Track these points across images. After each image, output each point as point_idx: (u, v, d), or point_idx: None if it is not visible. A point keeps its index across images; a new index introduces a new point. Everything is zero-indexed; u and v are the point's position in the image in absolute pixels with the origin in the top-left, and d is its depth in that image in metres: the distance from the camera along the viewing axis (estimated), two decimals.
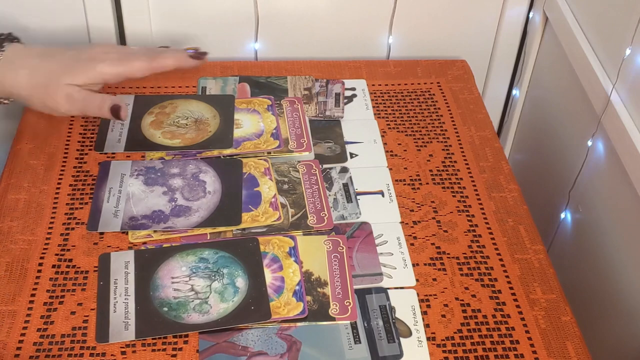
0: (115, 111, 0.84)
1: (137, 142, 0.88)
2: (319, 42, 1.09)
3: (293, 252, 0.76)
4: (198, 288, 0.71)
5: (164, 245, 0.76)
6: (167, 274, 0.73)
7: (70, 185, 0.83)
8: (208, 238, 0.78)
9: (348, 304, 0.72)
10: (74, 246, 0.76)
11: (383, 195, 0.84)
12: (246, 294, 0.71)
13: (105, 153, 0.87)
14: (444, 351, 0.69)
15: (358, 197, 0.83)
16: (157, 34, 1.06)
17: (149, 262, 0.74)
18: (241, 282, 0.72)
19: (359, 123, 0.94)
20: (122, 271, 0.73)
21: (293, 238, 0.77)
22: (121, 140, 0.88)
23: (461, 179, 0.87)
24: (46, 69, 0.82)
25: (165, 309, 0.70)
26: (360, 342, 0.69)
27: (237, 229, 0.79)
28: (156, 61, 0.87)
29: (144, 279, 0.72)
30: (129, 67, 0.85)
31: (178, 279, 0.72)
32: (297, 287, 0.73)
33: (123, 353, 0.67)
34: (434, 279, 0.76)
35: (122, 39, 1.05)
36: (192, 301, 0.70)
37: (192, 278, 0.72)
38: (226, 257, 0.74)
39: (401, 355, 0.68)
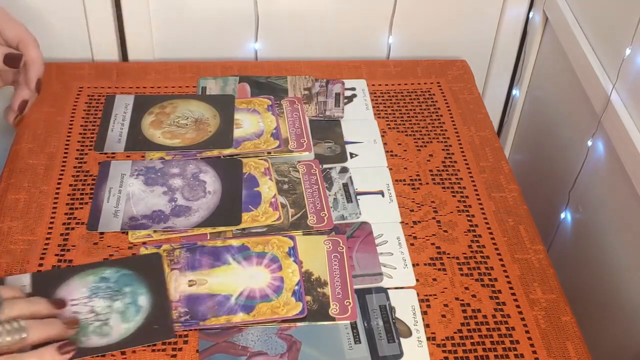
0: (12, 60, 0.74)
1: (137, 142, 0.88)
2: (319, 42, 1.09)
3: (292, 252, 0.76)
4: (98, 309, 0.69)
5: (63, 267, 0.74)
6: (67, 296, 0.70)
7: (70, 185, 0.83)
8: (208, 238, 0.78)
9: (348, 303, 0.72)
10: (74, 246, 0.76)
11: (383, 195, 0.84)
12: (148, 312, 0.69)
13: (105, 153, 0.87)
14: (443, 351, 0.69)
15: (358, 197, 0.83)
16: (157, 33, 1.06)
17: (46, 285, 0.71)
18: (144, 300, 0.70)
19: (359, 123, 0.94)
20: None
21: (292, 238, 0.77)
22: (121, 140, 0.88)
23: (461, 179, 0.87)
24: None
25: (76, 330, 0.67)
26: (360, 342, 0.69)
27: (237, 229, 0.79)
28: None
29: None
30: None
31: (77, 301, 0.70)
32: (297, 287, 0.73)
33: (123, 353, 0.67)
34: (434, 279, 0.76)
35: (122, 38, 1.05)
36: (92, 323, 0.68)
37: (92, 299, 0.70)
38: (128, 275, 0.73)
39: (401, 355, 0.68)
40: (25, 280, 0.72)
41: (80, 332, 0.67)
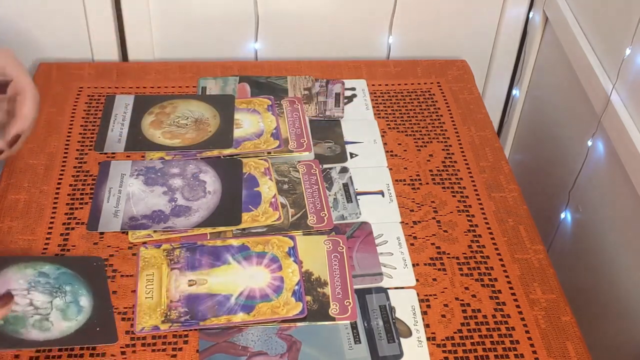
0: None
1: (137, 142, 0.88)
2: (319, 42, 1.09)
3: (292, 252, 0.76)
4: (38, 303, 0.69)
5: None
6: (4, 286, 0.69)
7: (70, 185, 0.83)
8: (208, 238, 0.78)
9: (348, 303, 0.72)
10: (74, 246, 0.76)
11: (383, 195, 0.84)
12: (91, 314, 0.69)
13: (105, 153, 0.87)
14: (444, 351, 0.69)
15: (358, 197, 0.83)
16: (157, 33, 1.06)
17: None
18: (85, 301, 0.70)
19: (359, 123, 0.94)
20: None
21: (292, 238, 0.77)
22: (121, 140, 0.88)
23: (461, 179, 0.87)
24: None
25: (1, 322, 0.67)
26: (360, 342, 0.69)
27: (237, 229, 0.79)
28: None
29: None
30: None
31: (16, 292, 0.69)
32: (297, 287, 0.73)
33: (123, 353, 0.67)
34: (434, 279, 0.76)
35: (122, 38, 1.05)
36: (32, 317, 0.68)
37: (30, 292, 0.69)
38: (69, 274, 0.72)
39: (401, 355, 0.68)
40: None
41: (19, 323, 0.67)
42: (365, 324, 0.71)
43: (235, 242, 0.77)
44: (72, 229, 0.78)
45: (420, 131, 0.93)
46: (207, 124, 0.90)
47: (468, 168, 0.89)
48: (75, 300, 0.70)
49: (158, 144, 0.87)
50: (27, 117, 0.70)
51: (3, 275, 0.71)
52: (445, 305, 0.73)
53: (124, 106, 0.92)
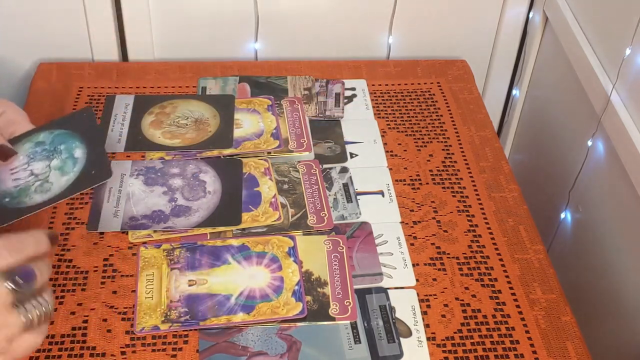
0: (3, 154, 0.72)
1: (137, 142, 0.88)
2: (319, 42, 1.09)
3: (292, 252, 0.76)
4: (37, 171, 0.70)
5: None
6: (6, 168, 0.71)
7: None
8: (208, 238, 0.78)
9: (348, 303, 0.72)
10: (74, 246, 0.76)
11: (383, 195, 0.84)
12: (85, 161, 0.70)
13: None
14: (444, 351, 0.69)
15: (358, 197, 0.83)
16: (157, 33, 1.06)
17: None
18: (79, 152, 0.71)
19: (359, 123, 0.94)
20: None
21: (292, 238, 0.77)
22: (121, 140, 0.88)
23: (461, 179, 0.87)
24: None
25: (7, 199, 0.68)
26: (360, 342, 0.69)
27: (237, 229, 0.79)
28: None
29: None
30: None
31: (17, 169, 0.70)
32: (297, 287, 0.73)
33: (123, 353, 0.67)
34: (434, 279, 0.76)
35: (122, 38, 1.05)
36: (33, 184, 0.69)
37: (30, 164, 0.71)
38: (62, 134, 0.73)
39: (401, 355, 0.68)
40: None
41: (22, 194, 0.68)
42: (365, 324, 0.71)
43: (235, 242, 0.77)
44: (72, 229, 0.78)
45: (420, 131, 0.93)
46: (207, 124, 0.90)
47: (468, 168, 0.89)
48: (70, 155, 0.71)
49: (158, 144, 0.87)
50: (21, 121, 0.73)
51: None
52: (445, 305, 0.73)
53: (124, 106, 0.92)
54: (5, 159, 0.72)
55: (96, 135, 0.73)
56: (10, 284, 0.54)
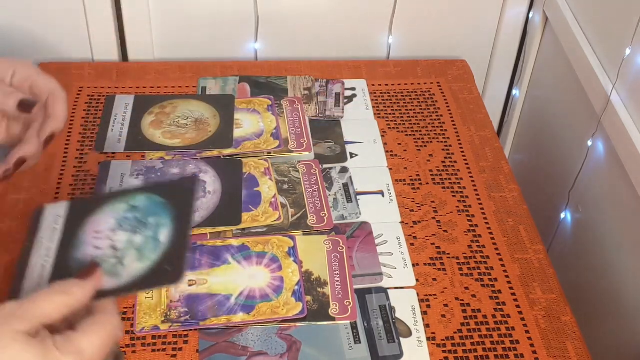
0: (26, 105, 0.71)
1: (137, 142, 0.88)
2: (319, 42, 1.09)
3: (292, 252, 0.76)
4: (118, 244, 0.63)
5: (99, 194, 0.69)
6: (92, 228, 0.65)
7: (70, 185, 0.83)
8: (208, 238, 0.78)
9: (348, 303, 0.72)
10: None
11: (383, 195, 0.84)
12: (165, 250, 0.63)
13: (105, 153, 0.87)
14: (444, 351, 0.69)
15: (358, 197, 0.83)
16: (157, 33, 1.06)
17: (79, 215, 0.66)
18: (164, 235, 0.64)
19: (359, 123, 0.94)
20: (50, 228, 0.66)
21: (292, 238, 0.77)
22: (121, 140, 0.88)
23: (461, 179, 0.87)
24: None
25: (75, 267, 0.62)
26: (360, 342, 0.69)
27: (237, 229, 0.79)
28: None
29: (69, 237, 0.65)
30: None
31: (101, 234, 0.64)
32: (297, 287, 0.73)
33: (123, 353, 0.67)
34: (434, 279, 0.76)
35: (122, 38, 1.05)
36: (108, 261, 0.63)
37: (115, 232, 0.64)
38: (158, 204, 0.66)
39: (401, 355, 0.68)
40: (62, 209, 0.67)
41: None
42: (365, 324, 0.71)
43: (235, 242, 0.77)
44: None
45: (420, 131, 0.93)
46: (207, 124, 0.90)
47: (468, 168, 0.89)
48: (155, 235, 0.64)
49: (158, 144, 0.87)
50: (60, 117, 0.72)
51: (98, 215, 0.66)
52: (445, 305, 0.73)
53: (124, 106, 0.92)
54: (30, 111, 0.70)
55: (187, 217, 0.65)
56: None
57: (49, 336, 0.53)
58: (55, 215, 0.67)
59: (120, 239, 0.63)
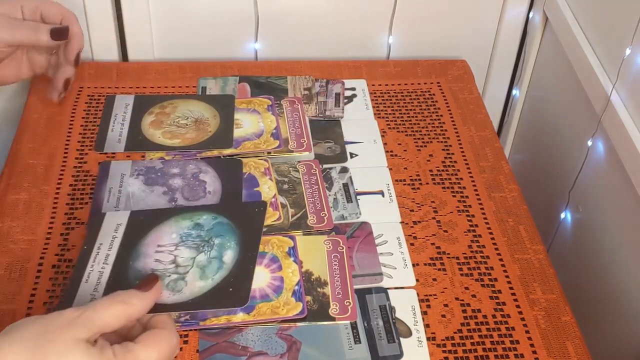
0: (59, 33, 0.79)
1: (137, 142, 0.88)
2: (319, 42, 1.09)
3: (292, 252, 0.76)
4: (180, 260, 0.65)
5: (164, 207, 0.69)
6: (155, 241, 0.66)
7: (70, 185, 0.83)
8: None
9: (348, 303, 0.72)
10: (74, 246, 0.76)
11: (383, 195, 0.84)
12: (230, 271, 0.64)
13: (106, 153, 0.87)
14: (444, 351, 0.69)
15: (358, 197, 0.83)
16: (157, 33, 1.06)
17: (141, 226, 0.67)
18: (229, 256, 0.65)
19: (359, 123, 0.94)
20: (110, 235, 0.67)
21: (292, 238, 0.77)
22: (121, 140, 0.88)
23: (461, 179, 0.87)
24: None
25: (138, 282, 0.62)
26: (360, 342, 0.69)
27: None
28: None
29: (129, 246, 0.66)
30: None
31: (163, 248, 0.66)
32: (297, 287, 0.73)
33: None
34: (434, 279, 0.76)
35: (122, 38, 1.05)
36: (169, 276, 0.65)
37: (178, 247, 0.66)
38: (223, 224, 0.68)
39: (401, 355, 0.68)
40: (123, 218, 0.68)
41: None
42: (365, 324, 0.71)
43: None
44: (72, 229, 0.78)
45: (420, 131, 0.94)
46: (207, 124, 0.90)
47: (468, 168, 0.89)
48: (219, 255, 0.65)
49: (158, 144, 0.87)
50: (79, 33, 0.83)
51: (159, 229, 0.67)
52: (445, 305, 0.73)
53: (124, 106, 0.92)
54: (65, 37, 0.80)
55: (254, 241, 0.66)
56: None
57: (108, 345, 0.53)
58: (115, 223, 0.68)
59: (183, 255, 0.64)
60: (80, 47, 0.83)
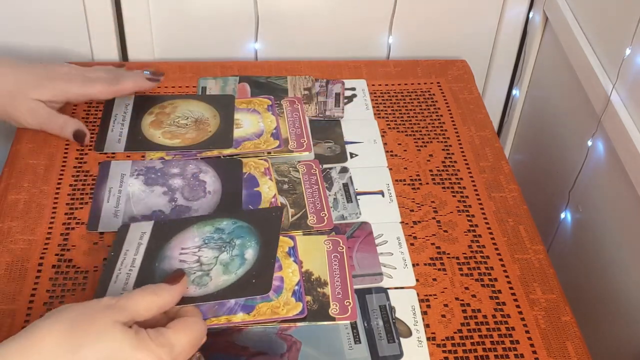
0: (80, 137, 0.86)
1: (137, 142, 0.88)
2: (319, 42, 1.09)
3: (292, 252, 0.76)
4: (204, 259, 0.69)
5: (185, 216, 0.75)
6: (179, 245, 0.71)
7: (70, 185, 0.83)
8: None
9: (348, 303, 0.72)
10: (74, 246, 0.76)
11: (383, 195, 0.84)
12: (252, 266, 0.69)
13: (106, 153, 0.87)
14: (444, 351, 0.69)
15: (358, 197, 0.83)
16: (157, 33, 1.06)
17: (165, 233, 0.72)
18: (250, 253, 0.70)
19: (359, 123, 0.94)
20: (135, 242, 0.72)
21: (292, 238, 0.77)
22: (121, 140, 0.88)
23: (461, 179, 0.87)
24: (16, 79, 0.83)
25: (166, 277, 0.67)
26: (360, 342, 0.69)
27: None
28: (116, 86, 0.88)
29: (154, 250, 0.71)
30: (91, 90, 0.87)
31: (187, 250, 0.71)
32: (297, 287, 0.73)
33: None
34: (434, 279, 0.76)
35: (122, 38, 1.05)
36: (194, 273, 0.69)
37: (201, 249, 0.71)
38: (243, 228, 0.72)
39: (401, 355, 0.68)
40: (147, 227, 0.73)
41: None
42: (365, 324, 0.71)
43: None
44: (72, 229, 0.78)
45: (420, 131, 0.94)
46: (207, 124, 0.90)
47: (468, 168, 0.89)
48: (240, 253, 0.70)
49: (158, 144, 0.87)
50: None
51: (183, 235, 0.72)
52: (445, 305, 0.73)
53: (123, 106, 0.92)
54: (83, 141, 0.86)
55: (273, 241, 0.72)
56: None
57: (142, 329, 0.58)
58: (140, 232, 0.73)
59: (207, 255, 0.70)
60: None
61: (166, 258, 0.70)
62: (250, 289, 0.68)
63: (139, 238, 0.72)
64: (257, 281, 0.68)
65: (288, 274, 0.74)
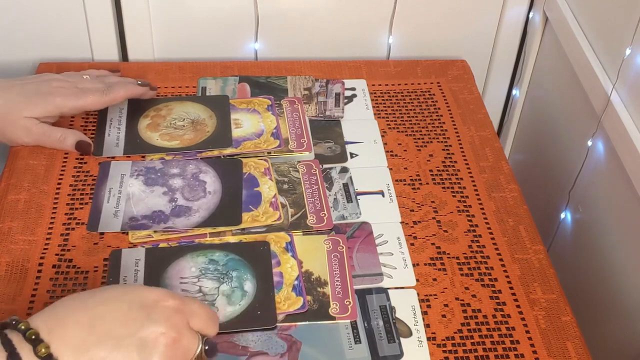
0: (84, 147, 0.86)
1: (136, 145, 0.87)
2: (319, 42, 1.09)
3: (290, 247, 0.76)
4: (206, 290, 0.71)
5: (173, 245, 0.76)
6: (177, 274, 0.72)
7: (70, 185, 0.83)
8: (208, 238, 0.78)
9: (348, 303, 0.72)
10: (74, 246, 0.76)
11: (383, 195, 0.84)
12: (253, 298, 0.70)
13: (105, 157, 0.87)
14: (444, 351, 0.69)
15: (358, 197, 0.83)
16: (157, 33, 1.06)
17: (159, 261, 0.73)
18: (249, 285, 0.72)
19: (359, 123, 0.94)
20: (132, 269, 0.73)
21: (289, 234, 0.77)
22: (119, 144, 0.88)
23: (461, 179, 0.87)
24: (5, 100, 0.83)
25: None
26: (360, 342, 0.69)
27: (237, 229, 0.79)
28: (109, 96, 0.87)
29: (153, 278, 0.72)
30: (83, 103, 0.86)
31: (187, 280, 0.72)
32: (296, 282, 0.73)
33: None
34: (434, 279, 0.76)
35: (122, 38, 1.05)
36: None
37: (200, 279, 0.72)
38: (236, 260, 0.74)
39: (401, 355, 0.68)
40: (140, 254, 0.74)
41: None
42: (366, 324, 0.71)
43: (232, 239, 0.77)
44: (72, 229, 0.78)
45: (420, 131, 0.93)
46: (205, 125, 0.90)
47: (468, 168, 0.89)
48: (240, 285, 0.72)
49: (157, 147, 0.87)
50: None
51: (178, 264, 0.73)
52: (446, 305, 0.73)
53: (118, 110, 0.92)
54: (88, 151, 0.86)
55: (267, 273, 0.73)
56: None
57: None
58: (134, 258, 0.74)
59: (207, 285, 0.71)
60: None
61: (167, 287, 0.71)
62: (256, 321, 0.69)
63: (134, 264, 0.73)
64: (262, 313, 0.70)
65: (287, 269, 0.74)
